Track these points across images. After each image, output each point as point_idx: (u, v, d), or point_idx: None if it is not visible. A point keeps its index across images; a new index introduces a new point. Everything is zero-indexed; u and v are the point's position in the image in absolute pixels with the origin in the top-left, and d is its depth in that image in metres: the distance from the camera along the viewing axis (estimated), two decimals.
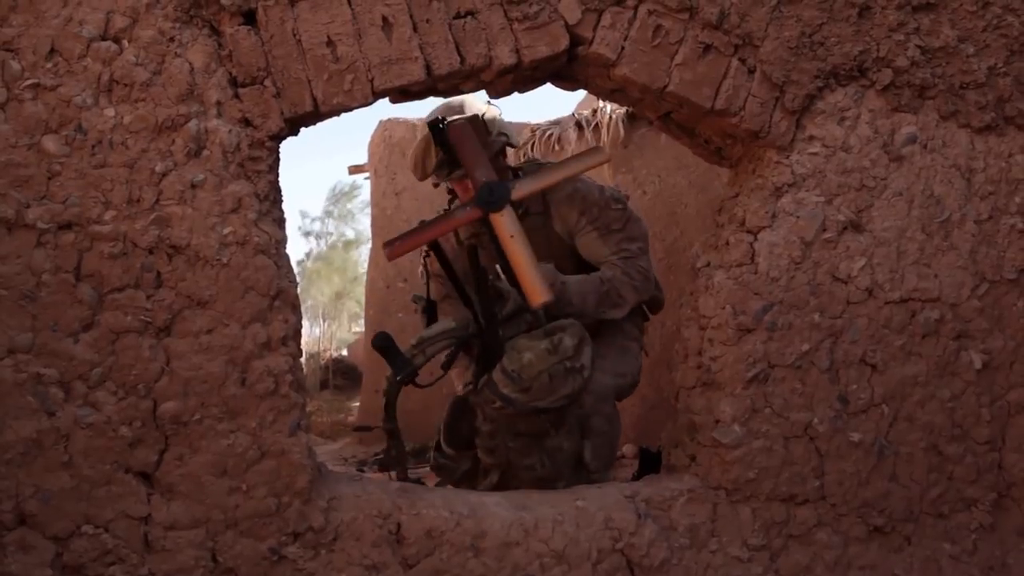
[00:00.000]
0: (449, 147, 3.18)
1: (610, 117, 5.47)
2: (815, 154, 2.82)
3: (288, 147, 28.36)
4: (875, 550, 2.84)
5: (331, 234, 24.12)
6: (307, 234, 24.23)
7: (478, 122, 3.31)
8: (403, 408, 3.17)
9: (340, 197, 23.94)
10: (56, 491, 2.28)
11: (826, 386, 2.80)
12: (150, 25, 2.38)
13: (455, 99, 3.31)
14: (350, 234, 24.22)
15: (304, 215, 29.43)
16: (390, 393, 3.07)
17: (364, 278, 9.61)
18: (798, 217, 2.79)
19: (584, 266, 3.56)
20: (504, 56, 2.59)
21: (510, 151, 3.74)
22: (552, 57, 2.65)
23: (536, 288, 2.95)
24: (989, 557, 2.91)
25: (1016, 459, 2.95)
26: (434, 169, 3.36)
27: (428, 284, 3.56)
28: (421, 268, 3.55)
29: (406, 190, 7.99)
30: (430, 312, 3.54)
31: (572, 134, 5.76)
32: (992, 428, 2.94)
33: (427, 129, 3.23)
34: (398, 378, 2.99)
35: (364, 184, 22.56)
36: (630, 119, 5.41)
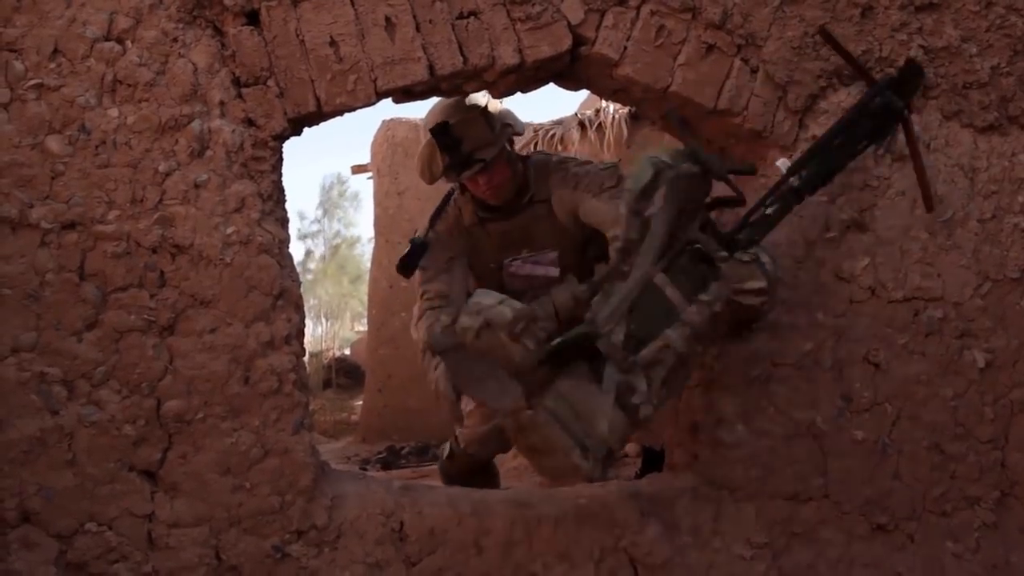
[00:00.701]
0: (454, 150, 3.14)
1: (613, 117, 5.48)
2: None
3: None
4: (878, 548, 2.84)
5: (326, 231, 24.20)
6: (304, 236, 24.32)
7: (480, 114, 3.23)
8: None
9: (330, 191, 24.06)
10: (60, 489, 2.29)
11: (829, 385, 2.80)
12: (153, 26, 2.38)
13: (451, 99, 3.26)
14: (344, 231, 24.27)
15: (302, 216, 29.34)
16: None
17: (367, 277, 9.61)
18: (801, 216, 2.79)
19: (585, 260, 3.47)
20: (507, 56, 2.60)
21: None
22: (555, 57, 2.65)
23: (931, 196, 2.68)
24: (992, 555, 2.91)
25: (1019, 458, 2.95)
26: (442, 172, 3.27)
27: (430, 233, 3.43)
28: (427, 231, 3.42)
29: (408, 189, 8.00)
30: (419, 251, 3.40)
31: (575, 134, 5.76)
32: (995, 427, 2.93)
33: (430, 134, 3.18)
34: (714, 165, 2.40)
35: (351, 177, 22.62)
36: (633, 119, 5.41)
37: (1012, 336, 2.94)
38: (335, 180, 24.30)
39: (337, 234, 24.45)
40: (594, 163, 3.52)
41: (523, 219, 3.41)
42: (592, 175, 3.34)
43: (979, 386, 2.91)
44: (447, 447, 3.79)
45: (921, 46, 2.85)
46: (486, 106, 3.26)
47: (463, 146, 3.14)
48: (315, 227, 24.43)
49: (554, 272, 3.48)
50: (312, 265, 24.23)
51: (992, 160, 2.94)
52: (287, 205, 2.62)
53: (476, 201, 3.40)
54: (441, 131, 3.12)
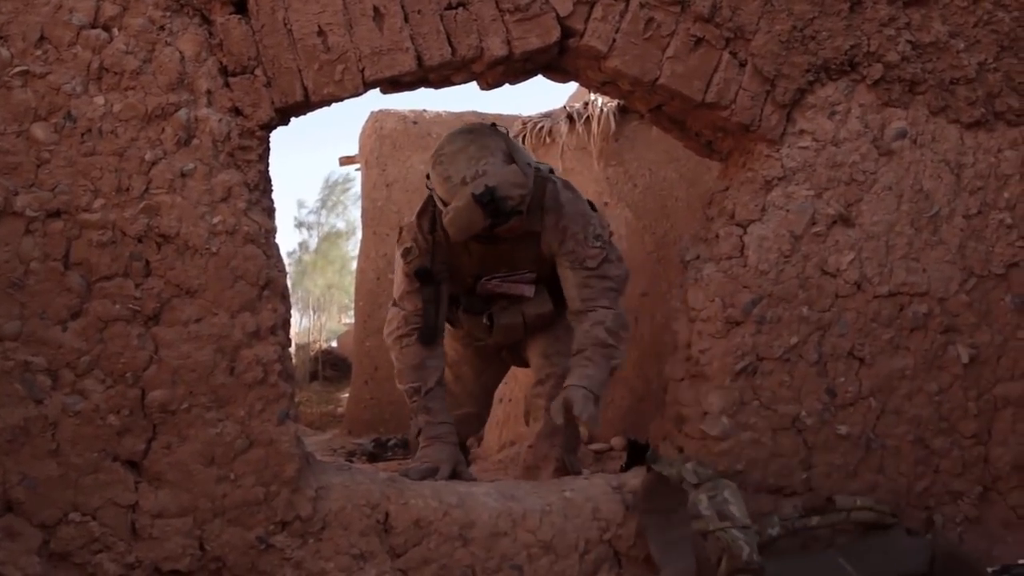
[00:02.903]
0: (499, 212, 2.97)
1: (601, 110, 5.46)
2: (805, 148, 2.82)
3: (287, 135, 28.02)
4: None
5: (323, 224, 23.99)
6: (300, 225, 24.08)
7: (509, 159, 3.08)
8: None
9: (334, 187, 23.83)
10: (43, 479, 2.28)
11: (814, 379, 2.81)
12: (140, 13, 2.37)
13: (475, 139, 3.07)
14: (340, 225, 24.08)
15: (301, 205, 28.93)
16: None
17: (354, 269, 9.59)
18: (788, 211, 2.80)
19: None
20: (495, 47, 2.59)
21: None
22: (543, 49, 2.65)
23: None
24: (975, 549, 2.92)
25: (1002, 452, 2.97)
26: (483, 228, 3.05)
27: (432, 254, 3.32)
28: (415, 241, 3.33)
29: (396, 182, 7.98)
30: (426, 280, 3.33)
31: (563, 127, 5.74)
32: (978, 422, 2.95)
33: (474, 200, 2.96)
34: None
35: (357, 175, 22.37)
36: (621, 112, 5.39)
37: (996, 332, 2.96)
38: (341, 177, 23.96)
39: (333, 226, 24.25)
40: (590, 224, 3.36)
41: (508, 243, 3.34)
42: (580, 243, 3.30)
43: (963, 381, 2.93)
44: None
45: (909, 41, 2.86)
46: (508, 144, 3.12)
47: (506, 204, 2.99)
48: (312, 218, 24.18)
49: (529, 292, 3.50)
50: (302, 256, 24.05)
51: (978, 156, 2.96)
52: (284, 193, 2.61)
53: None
54: (489, 198, 2.95)
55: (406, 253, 3.35)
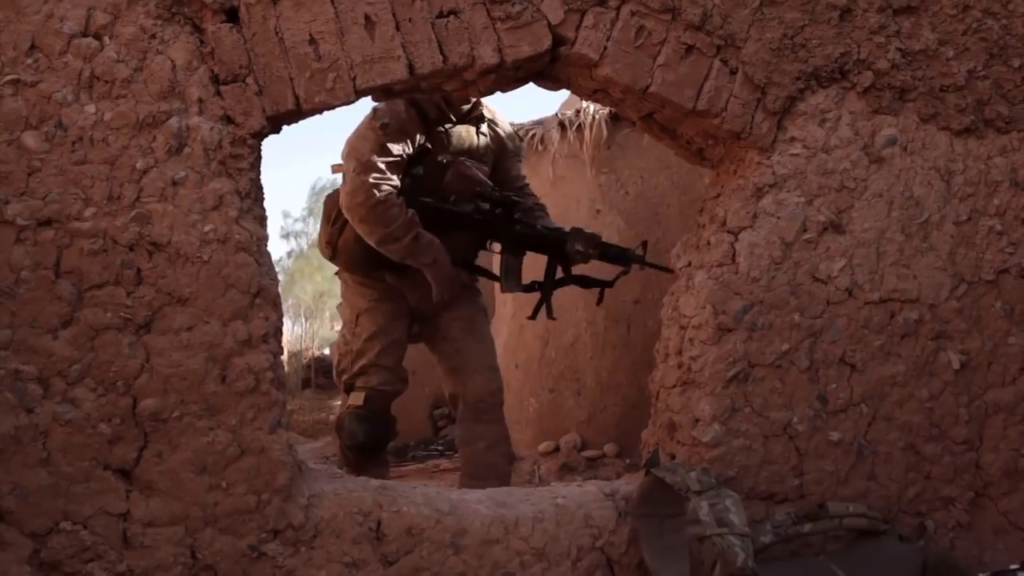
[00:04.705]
0: None
1: (593, 117, 5.47)
2: (796, 155, 2.83)
3: (270, 148, 28.08)
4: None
5: (310, 233, 23.98)
6: (287, 235, 24.06)
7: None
8: None
9: (320, 194, 23.83)
10: (34, 488, 2.27)
11: (806, 385, 2.82)
12: (132, 22, 2.37)
13: None
14: None
15: (286, 215, 29.12)
16: None
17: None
18: (779, 218, 2.80)
19: None
20: (487, 55, 2.60)
21: None
22: (535, 57, 2.65)
23: None
24: (966, 556, 2.93)
25: (993, 458, 2.97)
26: None
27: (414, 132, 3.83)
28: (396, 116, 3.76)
29: None
30: None
31: (555, 134, 5.75)
32: (970, 428, 2.96)
33: None
34: None
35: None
36: (613, 119, 5.41)
37: (987, 338, 2.97)
38: (328, 183, 23.98)
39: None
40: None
41: (469, 129, 4.03)
42: (519, 148, 4.39)
43: (954, 387, 2.94)
44: (358, 396, 3.97)
45: (899, 49, 2.87)
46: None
47: None
48: (299, 226, 24.15)
49: (487, 183, 4.04)
50: (292, 264, 24.03)
51: (968, 163, 2.97)
52: (272, 204, 2.61)
53: (442, 105, 3.90)
54: None
55: (384, 127, 3.75)
